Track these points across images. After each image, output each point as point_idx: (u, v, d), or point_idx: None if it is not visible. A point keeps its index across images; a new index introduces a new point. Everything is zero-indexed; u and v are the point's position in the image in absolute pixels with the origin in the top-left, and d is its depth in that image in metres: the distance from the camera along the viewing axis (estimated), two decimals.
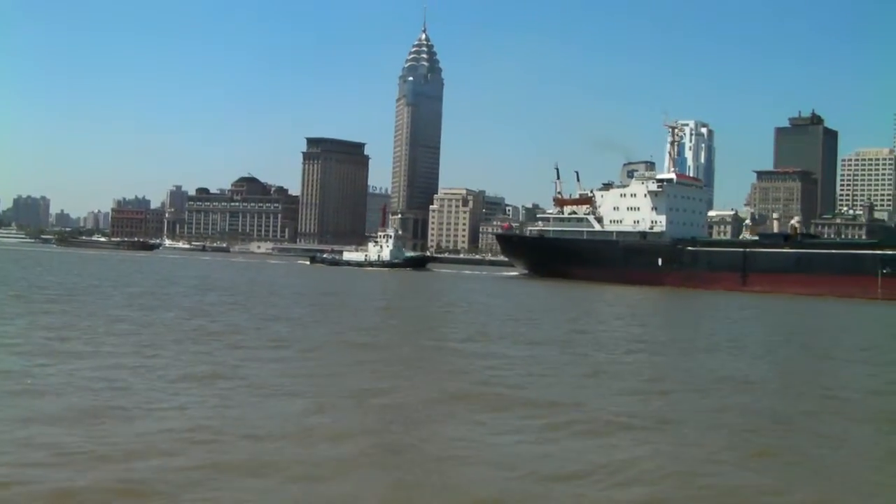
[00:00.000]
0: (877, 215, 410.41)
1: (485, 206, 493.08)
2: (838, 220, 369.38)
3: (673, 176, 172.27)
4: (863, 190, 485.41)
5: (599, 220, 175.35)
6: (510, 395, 28.43)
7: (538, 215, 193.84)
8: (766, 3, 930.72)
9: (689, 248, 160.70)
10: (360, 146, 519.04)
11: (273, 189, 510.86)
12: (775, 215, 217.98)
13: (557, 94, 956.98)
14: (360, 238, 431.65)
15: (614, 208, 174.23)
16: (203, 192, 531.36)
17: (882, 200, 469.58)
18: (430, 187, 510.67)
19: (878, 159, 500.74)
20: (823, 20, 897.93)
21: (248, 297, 77.09)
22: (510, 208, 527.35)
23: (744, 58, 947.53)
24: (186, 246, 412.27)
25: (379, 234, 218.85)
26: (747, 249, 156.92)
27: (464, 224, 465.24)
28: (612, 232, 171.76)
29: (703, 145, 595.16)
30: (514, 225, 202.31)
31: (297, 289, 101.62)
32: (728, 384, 34.16)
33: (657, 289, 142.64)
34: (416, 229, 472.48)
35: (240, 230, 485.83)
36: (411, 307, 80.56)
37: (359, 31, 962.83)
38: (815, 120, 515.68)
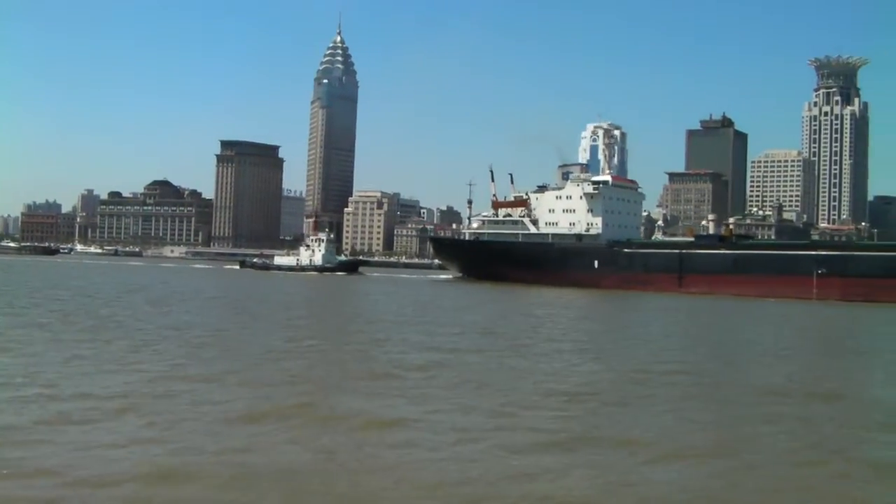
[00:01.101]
0: (785, 216, 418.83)
1: (399, 209, 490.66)
2: (748, 221, 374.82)
3: (609, 178, 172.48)
4: (772, 191, 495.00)
5: (535, 222, 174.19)
6: None
7: (472, 217, 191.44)
8: (677, 7, 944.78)
9: (626, 249, 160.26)
10: (275, 149, 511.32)
11: (186, 192, 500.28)
12: (711, 217, 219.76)
13: (475, 97, 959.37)
14: (274, 242, 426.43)
15: (550, 210, 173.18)
16: (115, 195, 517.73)
17: (790, 201, 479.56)
18: (345, 190, 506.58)
19: (786, 161, 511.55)
20: (734, 24, 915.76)
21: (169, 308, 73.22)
22: (425, 211, 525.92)
23: (654, 60, 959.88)
24: (99, 251, 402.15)
25: (311, 238, 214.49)
26: (683, 251, 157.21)
27: (378, 226, 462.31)
28: (547, 234, 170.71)
29: (616, 147, 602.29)
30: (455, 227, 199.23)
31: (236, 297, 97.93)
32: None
33: (593, 291, 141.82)
34: (330, 232, 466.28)
35: (153, 234, 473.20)
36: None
37: (273, 33, 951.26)
38: (726, 122, 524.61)
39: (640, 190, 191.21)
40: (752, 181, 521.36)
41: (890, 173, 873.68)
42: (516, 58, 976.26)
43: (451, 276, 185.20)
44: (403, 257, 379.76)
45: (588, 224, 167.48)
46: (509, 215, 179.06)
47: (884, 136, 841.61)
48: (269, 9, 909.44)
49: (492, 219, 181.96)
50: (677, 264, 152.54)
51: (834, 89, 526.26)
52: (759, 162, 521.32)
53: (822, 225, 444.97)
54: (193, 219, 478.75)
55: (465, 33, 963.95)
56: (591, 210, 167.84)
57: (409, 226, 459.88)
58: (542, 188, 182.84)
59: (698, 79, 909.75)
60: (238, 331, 53.81)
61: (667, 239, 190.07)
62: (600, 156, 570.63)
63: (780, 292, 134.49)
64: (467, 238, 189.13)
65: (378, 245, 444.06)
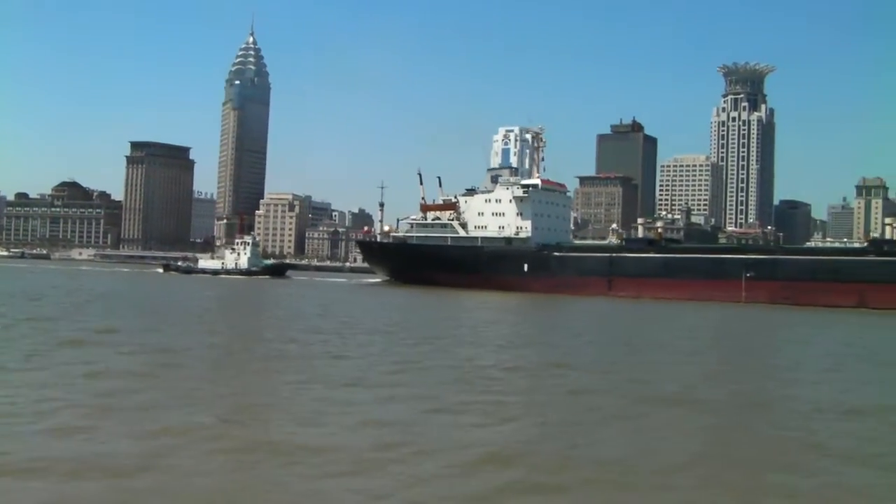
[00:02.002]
0: (694, 219, 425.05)
1: (311, 211, 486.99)
2: (657, 224, 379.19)
3: (538, 181, 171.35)
4: (680, 194, 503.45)
5: (464, 225, 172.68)
6: None
7: (400, 220, 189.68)
8: (588, 11, 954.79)
9: (556, 253, 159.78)
10: (186, 150, 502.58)
11: (95, 194, 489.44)
12: (640, 220, 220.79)
13: (388, 99, 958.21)
14: (185, 244, 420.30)
15: (479, 214, 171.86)
16: (22, 197, 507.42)
17: (699, 205, 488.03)
18: (257, 192, 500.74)
19: (695, 165, 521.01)
20: (645, 30, 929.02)
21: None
22: (336, 213, 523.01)
23: (567, 64, 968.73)
24: (4, 253, 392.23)
25: (236, 241, 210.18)
26: (613, 254, 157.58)
27: (290, 229, 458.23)
28: (477, 238, 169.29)
29: (527, 150, 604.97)
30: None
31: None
32: None
33: (522, 295, 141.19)
34: (241, 235, 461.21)
35: (61, 236, 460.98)
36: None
37: (185, 33, 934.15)
38: (636, 127, 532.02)
39: (568, 194, 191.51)
40: (661, 185, 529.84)
41: (795, 178, 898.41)
42: (430, 61, 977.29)
43: (378, 280, 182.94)
44: (315, 260, 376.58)
45: (518, 227, 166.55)
46: (438, 218, 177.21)
47: (789, 142, 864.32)
48: (180, 8, 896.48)
49: (420, 222, 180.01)
50: (607, 268, 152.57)
51: (741, 95, 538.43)
52: (668, 166, 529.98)
53: (730, 228, 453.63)
54: (102, 221, 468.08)
55: (379, 37, 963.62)
56: (520, 213, 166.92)
57: (321, 228, 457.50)
58: (470, 191, 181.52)
59: (609, 84, 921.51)
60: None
61: (597, 242, 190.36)
62: (512, 158, 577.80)
63: (709, 296, 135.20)
64: (395, 242, 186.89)
65: (290, 248, 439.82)
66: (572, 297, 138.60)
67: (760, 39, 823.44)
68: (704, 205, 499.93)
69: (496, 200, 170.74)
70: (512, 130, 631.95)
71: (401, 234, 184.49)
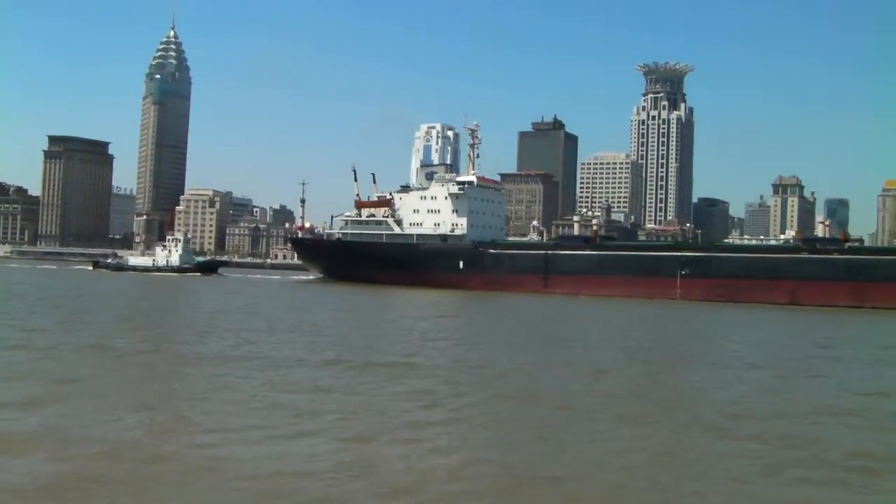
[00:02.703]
0: (614, 216, 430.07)
1: (232, 207, 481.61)
2: (578, 221, 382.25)
3: (474, 178, 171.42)
4: (601, 192, 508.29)
5: (399, 222, 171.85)
6: None
7: (335, 217, 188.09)
8: (511, 9, 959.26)
9: (491, 250, 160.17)
10: (105, 145, 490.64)
11: (12, 189, 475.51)
12: (576, 218, 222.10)
13: (310, 97, 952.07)
14: (104, 240, 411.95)
15: (414, 211, 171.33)
16: None
17: (619, 202, 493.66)
18: (177, 188, 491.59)
19: (615, 163, 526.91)
20: (567, 28, 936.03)
21: None
22: (258, 210, 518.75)
23: (489, 62, 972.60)
24: None
25: (167, 238, 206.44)
26: (549, 252, 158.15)
27: (210, 225, 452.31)
28: (412, 235, 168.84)
29: (448, 148, 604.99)
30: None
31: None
32: None
33: (457, 292, 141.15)
34: (161, 231, 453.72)
35: None
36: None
37: (105, 25, 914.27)
38: (557, 125, 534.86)
39: (501, 190, 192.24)
40: (581, 182, 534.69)
41: (713, 176, 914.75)
42: (352, 56, 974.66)
43: (312, 278, 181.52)
44: (236, 256, 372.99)
45: (453, 225, 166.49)
46: (373, 216, 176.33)
47: (707, 141, 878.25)
48: (100, 1, 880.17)
49: (355, 219, 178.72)
50: (542, 265, 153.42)
51: (661, 94, 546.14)
52: (589, 164, 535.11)
53: (649, 226, 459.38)
54: (19, 216, 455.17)
55: (303, 30, 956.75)
56: (455, 210, 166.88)
57: (242, 224, 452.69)
58: (405, 188, 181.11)
59: (531, 82, 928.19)
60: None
61: (532, 240, 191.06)
62: (433, 155, 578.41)
63: (644, 293, 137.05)
64: (330, 239, 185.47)
65: (210, 244, 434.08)
66: (508, 295, 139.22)
67: (679, 39, 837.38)
68: (624, 202, 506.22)
69: (431, 198, 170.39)
70: (434, 127, 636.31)
71: (335, 230, 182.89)
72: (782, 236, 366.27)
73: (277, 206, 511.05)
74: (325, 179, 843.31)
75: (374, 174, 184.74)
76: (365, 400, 31.93)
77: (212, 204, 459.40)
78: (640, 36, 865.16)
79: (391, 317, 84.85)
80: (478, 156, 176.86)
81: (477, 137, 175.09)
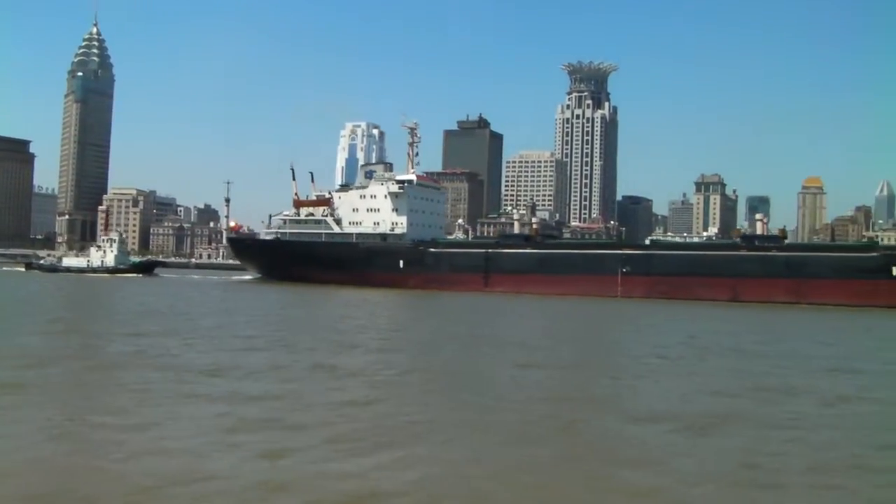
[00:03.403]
0: (539, 214, 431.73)
1: (156, 207, 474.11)
2: (503, 220, 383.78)
3: (413, 177, 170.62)
4: (526, 190, 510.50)
5: (338, 221, 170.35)
6: None
7: (273, 216, 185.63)
8: (435, 8, 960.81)
9: (432, 249, 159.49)
10: (25, 144, 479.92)
11: None
12: (516, 216, 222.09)
13: (234, 95, 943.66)
14: (25, 241, 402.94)
15: (354, 210, 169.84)
16: None
17: (543, 200, 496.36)
18: (100, 187, 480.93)
19: (539, 162, 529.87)
20: (493, 27, 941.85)
21: None
22: (182, 209, 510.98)
23: (414, 60, 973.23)
24: None
25: (102, 238, 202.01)
26: (490, 251, 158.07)
27: (134, 225, 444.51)
28: (352, 234, 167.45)
29: (374, 146, 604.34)
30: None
31: None
32: None
33: (397, 291, 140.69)
34: (84, 231, 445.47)
35: None
36: None
37: (24, 21, 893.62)
38: (482, 123, 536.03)
39: (441, 189, 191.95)
40: (506, 181, 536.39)
41: (636, 174, 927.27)
42: (276, 57, 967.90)
43: (250, 278, 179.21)
44: (160, 256, 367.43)
45: (393, 223, 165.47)
46: (312, 215, 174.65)
47: (630, 139, 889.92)
48: None
49: (294, 218, 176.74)
50: (483, 264, 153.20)
51: (585, 93, 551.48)
52: (514, 162, 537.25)
53: (574, 223, 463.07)
54: None
55: (226, 31, 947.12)
56: (395, 209, 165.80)
57: (166, 224, 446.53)
58: (344, 187, 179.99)
59: (456, 80, 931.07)
60: None
61: (473, 239, 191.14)
62: (359, 153, 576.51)
63: (585, 291, 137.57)
64: (267, 238, 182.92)
65: (134, 244, 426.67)
66: (448, 294, 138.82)
67: (603, 38, 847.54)
68: (549, 200, 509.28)
69: (371, 196, 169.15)
70: (359, 126, 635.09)
71: (273, 230, 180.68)
72: (705, 233, 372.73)
73: (202, 206, 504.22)
74: (250, 178, 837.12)
75: (312, 173, 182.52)
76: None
77: (135, 203, 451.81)
78: (565, 35, 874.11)
79: (328, 316, 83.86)
80: (417, 154, 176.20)
81: (416, 136, 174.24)
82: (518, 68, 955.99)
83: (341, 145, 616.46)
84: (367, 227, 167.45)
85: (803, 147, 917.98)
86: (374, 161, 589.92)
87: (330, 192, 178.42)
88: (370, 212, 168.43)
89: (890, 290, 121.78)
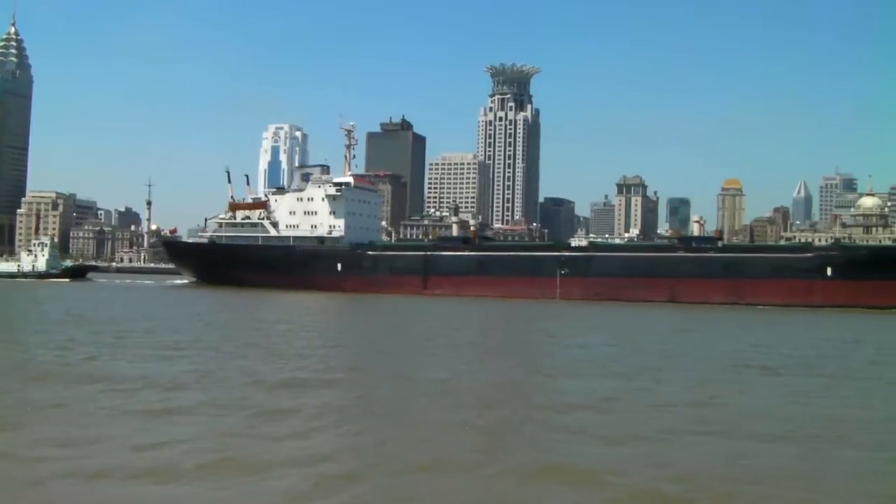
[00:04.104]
0: (461, 216, 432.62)
1: (76, 210, 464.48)
2: (426, 222, 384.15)
3: (351, 180, 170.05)
4: (449, 192, 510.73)
5: (275, 224, 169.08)
6: None
7: (208, 220, 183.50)
8: (357, 8, 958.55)
9: (370, 252, 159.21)
10: None
11: None
12: (454, 219, 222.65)
13: (156, 94, 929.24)
14: None
15: (291, 213, 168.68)
16: None
17: (466, 202, 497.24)
18: (18, 190, 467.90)
19: (462, 164, 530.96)
20: (416, 29, 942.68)
21: None
22: (102, 212, 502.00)
23: (336, 60, 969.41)
24: None
25: (33, 242, 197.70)
26: (428, 253, 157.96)
27: (53, 228, 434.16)
28: (289, 237, 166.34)
29: (297, 148, 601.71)
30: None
31: None
32: None
33: (335, 294, 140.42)
34: (2, 235, 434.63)
35: None
36: None
37: None
38: (405, 126, 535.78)
39: (377, 192, 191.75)
40: (429, 183, 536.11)
41: (559, 176, 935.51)
42: (198, 55, 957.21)
43: (185, 282, 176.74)
44: (81, 259, 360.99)
45: (330, 226, 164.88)
46: (248, 218, 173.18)
47: (553, 141, 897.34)
48: None
49: (230, 221, 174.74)
50: (422, 266, 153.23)
51: (508, 96, 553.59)
52: (437, 164, 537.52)
53: (497, 225, 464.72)
54: None
55: (148, 31, 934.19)
56: (333, 212, 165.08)
57: (86, 227, 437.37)
58: (280, 189, 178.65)
59: (379, 82, 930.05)
60: None
61: (411, 242, 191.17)
62: (282, 156, 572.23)
63: (524, 293, 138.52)
64: (203, 241, 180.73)
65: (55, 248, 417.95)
66: (386, 296, 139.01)
67: (526, 41, 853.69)
68: (472, 202, 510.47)
69: (308, 199, 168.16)
70: (282, 128, 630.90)
71: (209, 233, 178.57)
72: (626, 234, 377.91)
73: (123, 209, 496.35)
74: (174, 181, 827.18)
75: (247, 175, 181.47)
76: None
77: (55, 206, 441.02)
78: (489, 38, 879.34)
79: (263, 320, 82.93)
80: (354, 156, 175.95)
81: (353, 138, 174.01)
82: (442, 71, 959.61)
83: (264, 147, 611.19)
84: (304, 231, 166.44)
85: (723, 149, 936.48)
86: (296, 164, 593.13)
87: (266, 195, 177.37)
88: (307, 215, 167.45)
89: (825, 290, 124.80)
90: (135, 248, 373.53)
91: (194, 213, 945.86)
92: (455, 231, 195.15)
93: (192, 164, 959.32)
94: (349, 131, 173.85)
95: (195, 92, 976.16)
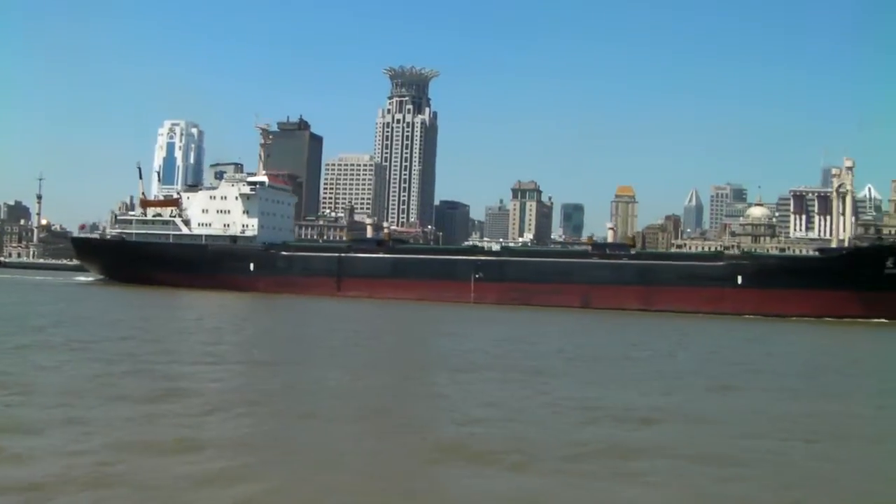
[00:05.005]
0: (357, 218, 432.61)
1: None
2: (321, 222, 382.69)
3: (265, 179, 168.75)
4: (345, 193, 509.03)
5: (187, 222, 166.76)
6: None
7: (118, 216, 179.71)
8: (254, 8, 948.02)
9: (284, 252, 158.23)
10: None
11: None
12: (368, 221, 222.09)
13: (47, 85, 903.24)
14: None
15: (203, 211, 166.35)
16: None
17: (362, 204, 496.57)
18: None
19: (359, 165, 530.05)
20: (316, 29, 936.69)
21: None
22: None
23: (231, 58, 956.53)
24: None
25: None
26: (342, 255, 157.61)
27: None
28: (201, 236, 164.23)
29: (192, 145, 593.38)
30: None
31: None
32: None
33: (246, 295, 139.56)
34: None
35: None
36: None
37: None
38: (302, 125, 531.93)
39: (291, 191, 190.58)
40: (325, 183, 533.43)
41: (454, 179, 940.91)
42: (90, 50, 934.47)
43: (93, 279, 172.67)
44: None
45: (244, 225, 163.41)
46: (159, 215, 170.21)
47: (450, 145, 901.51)
48: None
49: (140, 218, 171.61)
50: (336, 268, 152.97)
51: (406, 98, 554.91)
52: (333, 165, 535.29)
53: (392, 227, 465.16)
54: None
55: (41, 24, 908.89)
56: (246, 211, 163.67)
57: None
58: (193, 187, 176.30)
59: (277, 82, 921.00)
60: None
61: (326, 243, 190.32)
62: (177, 153, 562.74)
63: (439, 296, 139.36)
64: (111, 238, 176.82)
65: None
66: (300, 297, 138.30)
67: (425, 45, 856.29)
68: (368, 204, 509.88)
69: (221, 197, 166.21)
70: (178, 124, 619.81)
71: (118, 229, 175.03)
72: (521, 239, 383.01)
73: (12, 202, 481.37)
74: (68, 174, 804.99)
75: (158, 172, 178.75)
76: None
77: None
78: (388, 40, 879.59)
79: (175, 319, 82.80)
80: (268, 155, 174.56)
81: (269, 137, 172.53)
82: (341, 72, 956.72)
83: (159, 143, 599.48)
84: (217, 229, 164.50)
85: (617, 155, 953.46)
86: (191, 160, 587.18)
87: (178, 193, 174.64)
88: (220, 213, 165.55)
89: (735, 298, 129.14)
90: (24, 242, 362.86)
91: (87, 209, 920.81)
92: (369, 233, 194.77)
93: (85, 159, 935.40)
94: (264, 130, 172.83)
95: (87, 86, 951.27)
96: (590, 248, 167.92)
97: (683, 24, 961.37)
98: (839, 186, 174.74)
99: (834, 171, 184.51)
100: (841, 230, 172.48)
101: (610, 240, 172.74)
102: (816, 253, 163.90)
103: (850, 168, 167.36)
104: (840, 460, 28.87)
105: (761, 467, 26.56)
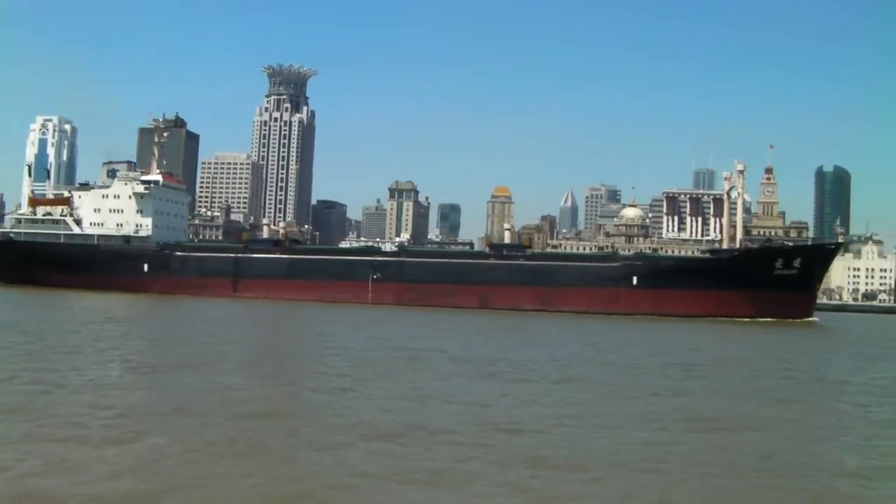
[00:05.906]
0: (233, 217, 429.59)
1: None
2: (197, 221, 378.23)
3: (160, 178, 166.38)
4: (221, 192, 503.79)
5: (79, 222, 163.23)
6: None
7: (6, 215, 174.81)
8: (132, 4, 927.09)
9: (178, 253, 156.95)
10: None
11: None
12: (265, 221, 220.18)
13: None
14: None
15: (95, 210, 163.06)
16: None
17: (238, 203, 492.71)
18: None
19: (236, 163, 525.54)
20: (190, 26, 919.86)
21: None
22: None
23: (107, 53, 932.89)
24: None
25: None
26: (239, 255, 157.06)
27: None
28: (93, 235, 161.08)
29: (66, 142, 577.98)
30: None
31: None
32: None
33: (139, 296, 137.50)
34: None
35: None
36: None
37: None
38: (178, 122, 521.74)
39: (185, 191, 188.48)
40: (201, 182, 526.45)
41: (332, 179, 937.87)
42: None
43: None
44: None
45: (137, 225, 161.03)
46: (49, 214, 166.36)
47: (327, 145, 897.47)
48: None
49: (29, 217, 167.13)
50: (232, 269, 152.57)
51: (284, 97, 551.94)
52: (209, 163, 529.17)
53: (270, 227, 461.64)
54: None
55: None
56: (140, 211, 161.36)
57: None
58: (85, 185, 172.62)
59: (153, 77, 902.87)
60: None
61: (222, 243, 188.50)
62: (49, 149, 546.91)
63: (337, 297, 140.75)
64: None
65: None
66: (195, 299, 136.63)
67: (303, 43, 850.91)
68: (244, 202, 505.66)
69: (114, 196, 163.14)
70: (51, 120, 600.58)
71: (6, 229, 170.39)
72: (398, 239, 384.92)
73: None
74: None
75: (48, 169, 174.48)
76: None
77: None
78: (267, 38, 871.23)
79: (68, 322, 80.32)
80: (161, 154, 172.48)
81: (163, 136, 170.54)
82: (218, 69, 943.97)
83: (31, 139, 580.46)
84: (109, 229, 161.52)
85: (493, 157, 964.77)
86: (64, 158, 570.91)
87: (70, 191, 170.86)
88: (113, 212, 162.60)
89: (629, 298, 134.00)
90: None
91: None
92: (266, 233, 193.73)
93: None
94: (157, 127, 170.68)
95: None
96: (487, 248, 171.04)
97: (557, 15, 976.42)
98: (730, 189, 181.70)
99: (725, 174, 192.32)
100: (735, 232, 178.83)
101: (507, 240, 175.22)
102: (707, 255, 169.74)
103: (741, 171, 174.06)
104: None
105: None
